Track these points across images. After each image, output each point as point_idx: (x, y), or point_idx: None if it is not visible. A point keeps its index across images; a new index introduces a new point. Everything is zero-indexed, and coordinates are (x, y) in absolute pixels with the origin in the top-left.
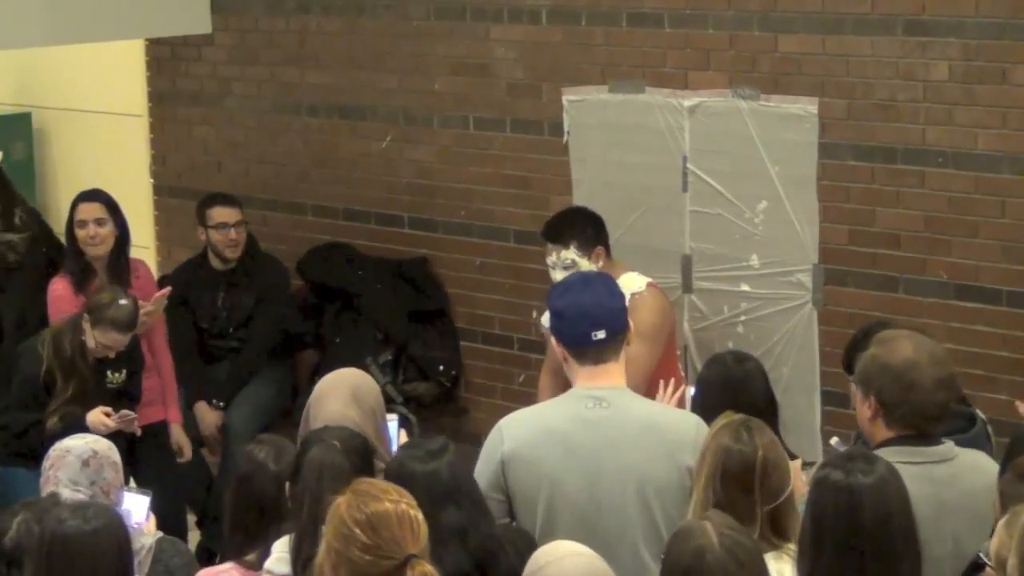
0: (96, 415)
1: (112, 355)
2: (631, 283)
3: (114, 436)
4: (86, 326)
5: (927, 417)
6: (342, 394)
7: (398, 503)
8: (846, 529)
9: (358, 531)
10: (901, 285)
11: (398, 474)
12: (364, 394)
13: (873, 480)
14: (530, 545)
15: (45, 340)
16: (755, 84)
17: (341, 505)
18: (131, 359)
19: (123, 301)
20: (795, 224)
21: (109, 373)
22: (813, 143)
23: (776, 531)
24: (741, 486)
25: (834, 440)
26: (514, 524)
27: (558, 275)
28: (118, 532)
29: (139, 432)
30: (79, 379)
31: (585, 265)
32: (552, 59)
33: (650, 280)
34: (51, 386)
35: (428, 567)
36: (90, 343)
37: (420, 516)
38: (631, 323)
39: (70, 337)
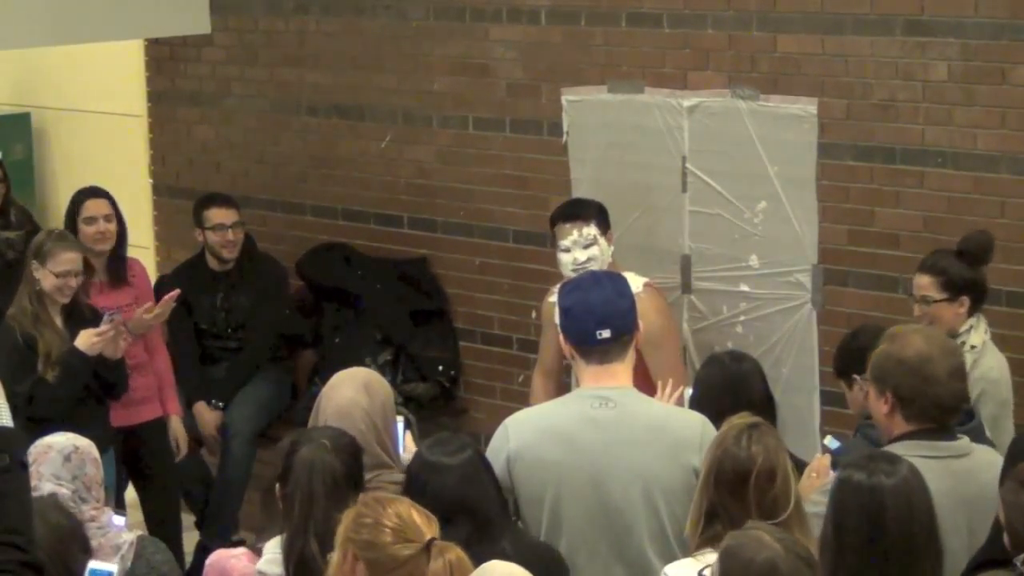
0: (85, 337)
1: (73, 283)
2: (637, 281)
3: (109, 435)
4: (38, 274)
5: (944, 408)
6: (354, 383)
7: (412, 505)
8: (869, 530)
9: (381, 519)
10: (900, 285)
11: (413, 483)
12: (375, 387)
13: (896, 481)
14: (551, 563)
15: (13, 310)
16: (754, 84)
17: (354, 509)
18: (89, 323)
19: (55, 230)
20: (794, 224)
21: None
22: (812, 143)
23: None
24: (731, 492)
25: (827, 439)
26: (519, 523)
27: (577, 254)
28: (51, 544)
29: (125, 342)
30: (51, 329)
31: (603, 244)
32: (551, 59)
33: (647, 280)
34: (34, 348)
35: (457, 550)
36: (48, 284)
37: (434, 519)
38: (640, 325)
39: (27, 294)
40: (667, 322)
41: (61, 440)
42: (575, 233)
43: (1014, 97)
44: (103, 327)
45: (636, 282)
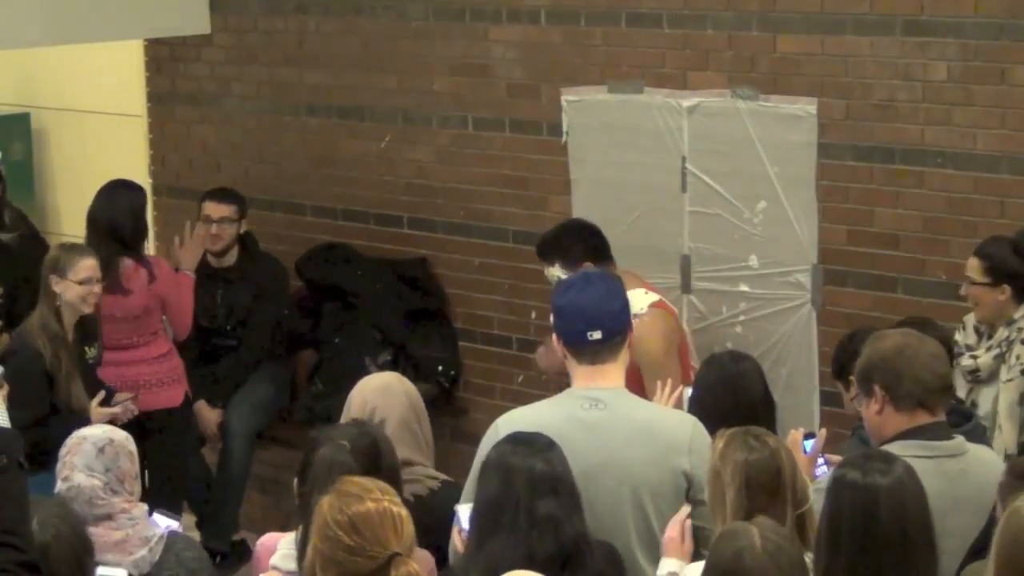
0: (98, 414)
1: (96, 289)
2: (634, 301)
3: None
4: (58, 288)
5: (930, 389)
6: (390, 374)
7: (380, 501)
8: (863, 529)
9: (340, 533)
10: (900, 285)
11: (498, 463)
12: (408, 382)
13: (891, 480)
14: (610, 555)
15: (35, 330)
16: (754, 84)
17: (324, 506)
18: (96, 332)
19: (66, 244)
20: (794, 224)
21: (86, 349)
22: (812, 143)
23: (803, 538)
24: (770, 495)
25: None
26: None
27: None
28: (71, 542)
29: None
30: (66, 350)
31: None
32: (551, 59)
33: (656, 300)
34: (53, 377)
35: (413, 565)
36: (72, 295)
37: (404, 513)
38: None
39: (49, 312)
40: (670, 348)
41: (97, 432)
42: (546, 270)
43: (1014, 97)
44: (118, 411)
45: (644, 301)
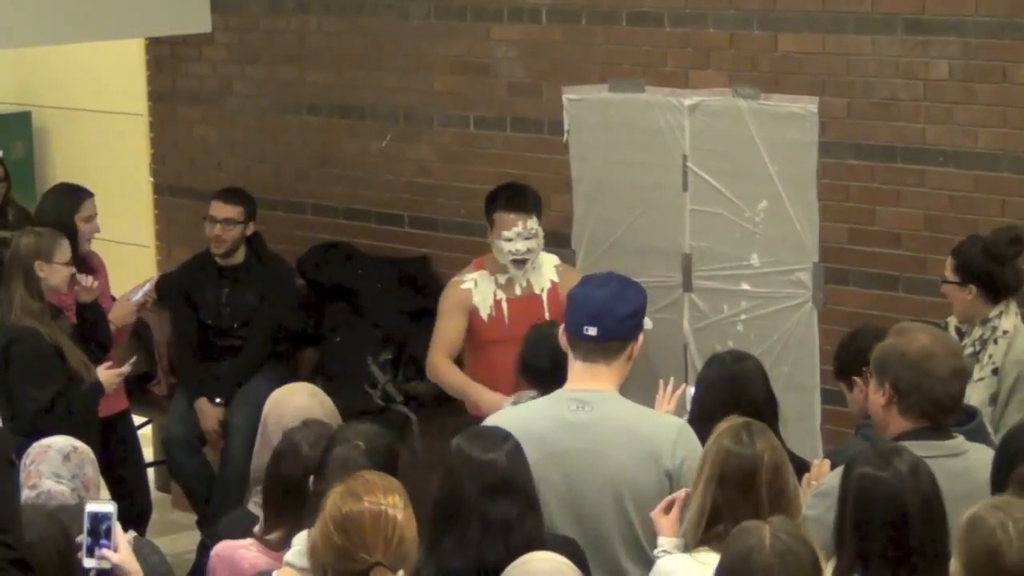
0: (108, 376)
1: (74, 271)
2: (552, 260)
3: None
4: (44, 273)
5: (940, 407)
6: (304, 392)
7: (378, 504)
8: (894, 522)
9: (332, 528)
10: (901, 284)
11: (454, 457)
12: (324, 397)
13: (910, 470)
14: (568, 552)
15: (19, 316)
16: (755, 83)
17: (332, 496)
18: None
19: (41, 229)
20: (795, 223)
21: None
22: (813, 142)
23: None
24: (740, 491)
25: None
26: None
27: (519, 244)
28: (57, 543)
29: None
30: (54, 325)
31: (540, 235)
32: (552, 58)
33: (558, 263)
34: (60, 355)
35: (389, 574)
36: (59, 278)
37: (403, 518)
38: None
39: (34, 296)
40: None
41: (60, 441)
42: (519, 225)
43: (1015, 95)
44: (125, 369)
45: (550, 262)
